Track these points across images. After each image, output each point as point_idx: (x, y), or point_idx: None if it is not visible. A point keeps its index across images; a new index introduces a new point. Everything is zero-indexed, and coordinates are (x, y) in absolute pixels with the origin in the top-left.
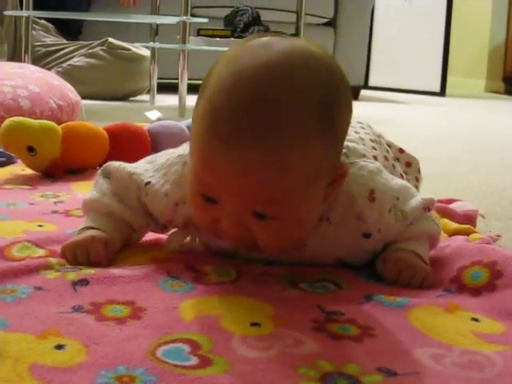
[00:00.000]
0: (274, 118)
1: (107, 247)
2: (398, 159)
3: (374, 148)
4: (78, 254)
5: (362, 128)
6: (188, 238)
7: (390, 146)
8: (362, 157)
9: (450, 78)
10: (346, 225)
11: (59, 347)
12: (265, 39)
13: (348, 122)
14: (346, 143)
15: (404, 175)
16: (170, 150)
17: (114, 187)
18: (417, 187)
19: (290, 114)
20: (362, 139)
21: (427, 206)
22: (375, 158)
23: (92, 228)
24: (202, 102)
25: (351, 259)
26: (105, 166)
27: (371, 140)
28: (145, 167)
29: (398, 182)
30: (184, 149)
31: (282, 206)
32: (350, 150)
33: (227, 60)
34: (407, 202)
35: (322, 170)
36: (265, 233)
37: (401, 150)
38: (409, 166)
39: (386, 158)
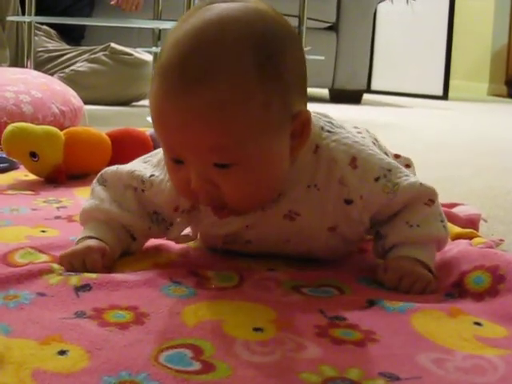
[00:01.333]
0: (210, 65)
1: (105, 257)
2: None
3: None
4: (75, 265)
5: (359, 133)
6: (188, 230)
7: (385, 153)
8: (349, 133)
9: (452, 82)
10: (330, 190)
11: (62, 353)
12: (209, 1)
13: (299, 62)
14: (329, 119)
15: None
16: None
17: (112, 193)
18: None
19: (226, 60)
20: (350, 132)
21: (429, 199)
22: None
23: (90, 237)
24: (158, 62)
25: (342, 230)
26: (100, 173)
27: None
28: (142, 166)
29: (389, 158)
30: None
31: (235, 151)
32: (334, 123)
33: (178, 24)
34: (402, 178)
35: (272, 112)
36: (229, 183)
37: (396, 155)
38: (408, 167)
39: None
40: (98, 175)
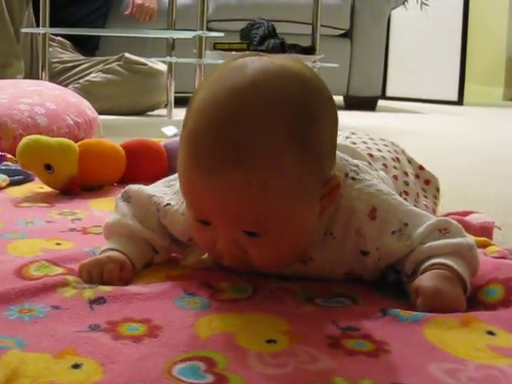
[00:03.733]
0: (243, 141)
1: (124, 269)
2: (417, 176)
3: (394, 167)
4: (93, 274)
5: (385, 146)
6: (206, 255)
7: (410, 162)
8: (374, 178)
9: (467, 87)
10: (347, 240)
11: (76, 366)
12: (242, 61)
13: (330, 134)
14: (356, 162)
15: (422, 192)
16: None
17: (135, 210)
18: (436, 204)
19: (259, 135)
20: (384, 158)
21: (442, 227)
22: (395, 177)
23: (113, 250)
24: (185, 125)
25: (359, 275)
26: (124, 190)
27: (392, 159)
28: (163, 191)
29: (411, 207)
30: None
31: (268, 222)
32: (360, 168)
33: (207, 83)
34: (416, 227)
35: (306, 184)
36: (257, 250)
37: (421, 167)
38: (427, 183)
39: (405, 173)
40: (123, 191)
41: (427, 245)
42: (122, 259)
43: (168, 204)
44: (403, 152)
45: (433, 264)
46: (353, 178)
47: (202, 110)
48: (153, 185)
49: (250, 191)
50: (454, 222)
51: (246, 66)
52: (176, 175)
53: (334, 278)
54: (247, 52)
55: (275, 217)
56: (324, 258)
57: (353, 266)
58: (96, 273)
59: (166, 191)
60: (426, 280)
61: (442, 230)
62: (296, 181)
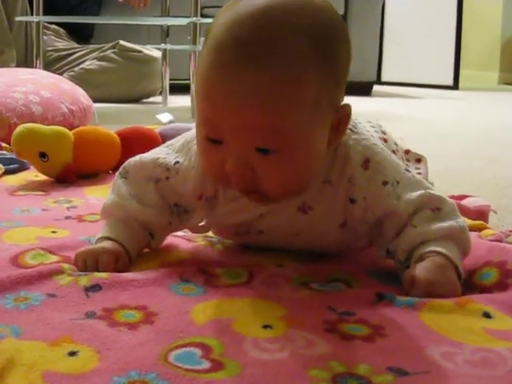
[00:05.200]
0: (268, 46)
1: (119, 260)
2: (408, 160)
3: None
4: (88, 264)
5: (372, 127)
6: (203, 222)
7: (396, 145)
8: (370, 135)
9: (463, 71)
10: (340, 186)
11: (72, 354)
12: None
13: (347, 64)
14: (353, 120)
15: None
16: (186, 132)
17: (133, 188)
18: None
19: (285, 43)
20: (372, 136)
21: (435, 206)
22: None
23: (108, 238)
24: (207, 42)
25: (352, 225)
26: (123, 165)
27: (380, 138)
28: (165, 151)
29: (404, 169)
30: None
31: (283, 137)
32: (357, 125)
33: (231, 4)
34: (408, 192)
35: (322, 103)
36: (268, 170)
37: (407, 151)
38: (419, 162)
39: (393, 151)
40: (121, 167)
41: (420, 230)
42: (117, 250)
43: (177, 162)
44: (389, 135)
45: (426, 252)
46: (351, 130)
47: (229, 24)
48: (151, 151)
49: (269, 96)
50: (449, 200)
51: None
52: (174, 140)
53: (332, 231)
54: None
55: (288, 129)
56: (322, 207)
57: (345, 215)
58: (91, 263)
59: (168, 151)
60: (420, 271)
61: (435, 210)
62: (314, 92)
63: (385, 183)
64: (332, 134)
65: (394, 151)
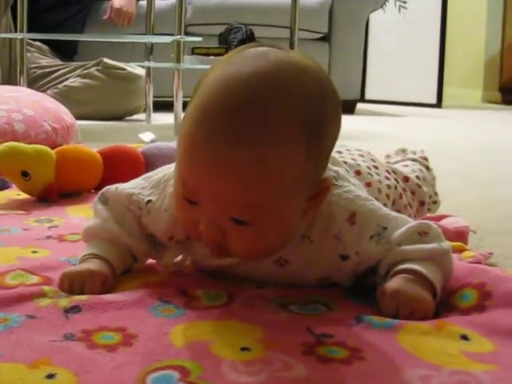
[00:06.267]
0: (259, 122)
1: (105, 282)
2: (404, 189)
3: (369, 174)
4: (75, 286)
5: (361, 156)
6: (180, 257)
7: (395, 173)
8: (352, 185)
9: (446, 89)
10: (326, 245)
11: (50, 376)
12: (263, 49)
13: (334, 140)
14: (336, 168)
15: (404, 195)
16: (167, 166)
17: (113, 213)
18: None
19: (277, 121)
20: (359, 165)
21: (422, 230)
22: (368, 184)
23: (96, 256)
24: (194, 101)
25: (334, 280)
26: (102, 192)
27: (368, 167)
28: (141, 185)
29: (390, 212)
30: None
31: (258, 211)
32: (340, 175)
33: (224, 64)
34: (395, 231)
35: (303, 181)
36: (240, 238)
37: (405, 179)
38: (413, 194)
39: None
40: (100, 193)
41: (402, 248)
42: (104, 273)
43: (149, 201)
44: (380, 162)
45: (402, 269)
46: (333, 184)
47: (219, 87)
48: (130, 182)
49: (251, 171)
50: (434, 226)
51: (268, 53)
52: (153, 172)
53: (308, 282)
54: (259, 43)
55: (265, 206)
56: (299, 261)
57: (329, 271)
58: (77, 287)
59: (144, 185)
60: (390, 282)
61: (422, 233)
62: (296, 176)
63: (372, 237)
64: (309, 204)
65: (387, 187)
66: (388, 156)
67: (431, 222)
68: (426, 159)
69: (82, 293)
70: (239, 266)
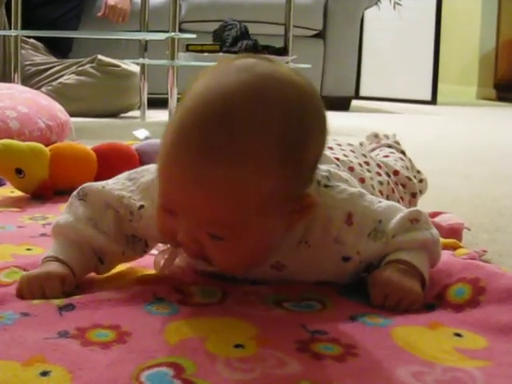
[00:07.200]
0: (227, 139)
1: (65, 283)
2: (396, 183)
3: (361, 171)
4: (34, 289)
5: (352, 151)
6: (177, 260)
7: (386, 166)
8: (345, 182)
9: (441, 86)
10: (326, 248)
11: (44, 374)
12: (251, 61)
13: (318, 155)
14: (326, 167)
15: (396, 189)
16: (150, 166)
17: (90, 211)
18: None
19: (245, 138)
20: (351, 161)
21: (413, 218)
22: (362, 180)
23: (56, 259)
24: (177, 112)
25: (333, 281)
26: (82, 187)
27: (359, 164)
28: (129, 187)
29: (382, 204)
30: None
31: (232, 228)
32: (332, 174)
33: (208, 75)
34: (390, 221)
35: (280, 197)
36: (217, 252)
37: (395, 172)
38: (404, 187)
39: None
40: (79, 188)
41: (397, 239)
42: (63, 274)
43: (142, 206)
44: (372, 158)
45: (395, 260)
46: (325, 186)
47: (198, 102)
48: (115, 182)
49: (223, 188)
50: (424, 212)
51: (255, 67)
52: (137, 169)
53: (309, 282)
54: (250, 54)
55: (238, 222)
56: (297, 265)
57: (330, 273)
58: (36, 290)
59: (131, 187)
60: (380, 271)
61: (413, 221)
62: (270, 189)
63: (369, 234)
64: (293, 217)
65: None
66: (361, 144)
67: (420, 209)
68: (398, 143)
69: (43, 295)
70: None
